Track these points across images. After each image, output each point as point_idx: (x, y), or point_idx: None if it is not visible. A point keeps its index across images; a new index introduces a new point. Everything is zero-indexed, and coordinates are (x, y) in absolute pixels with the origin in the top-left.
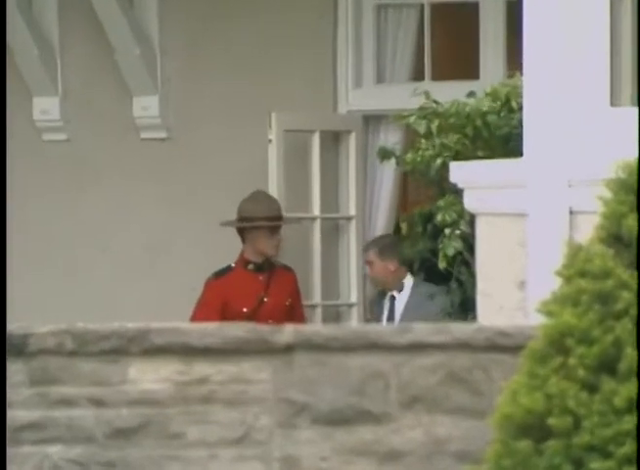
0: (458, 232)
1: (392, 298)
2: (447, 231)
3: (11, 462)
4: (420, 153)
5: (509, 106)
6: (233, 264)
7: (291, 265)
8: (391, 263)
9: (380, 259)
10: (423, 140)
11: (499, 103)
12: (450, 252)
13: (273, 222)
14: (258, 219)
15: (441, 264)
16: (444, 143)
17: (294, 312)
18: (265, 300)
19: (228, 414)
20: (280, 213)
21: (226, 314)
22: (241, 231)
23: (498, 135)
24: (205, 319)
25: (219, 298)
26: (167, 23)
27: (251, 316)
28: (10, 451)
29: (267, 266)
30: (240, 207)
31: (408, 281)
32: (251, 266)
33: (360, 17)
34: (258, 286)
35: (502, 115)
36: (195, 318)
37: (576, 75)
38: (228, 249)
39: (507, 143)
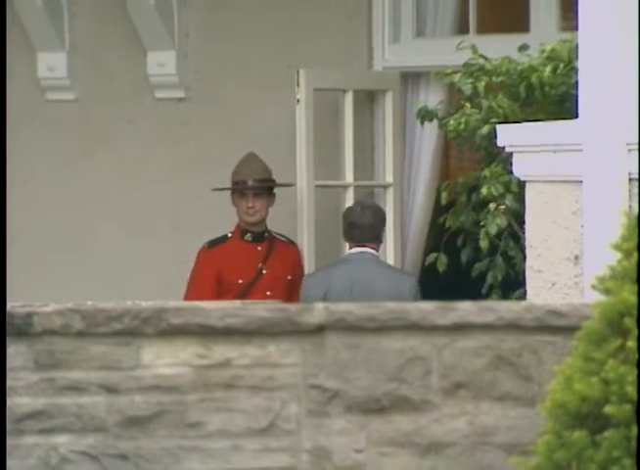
0: (503, 207)
1: None
2: (492, 206)
3: (13, 455)
4: (464, 119)
5: (571, 65)
6: (229, 234)
7: (321, 240)
8: None
9: None
10: (467, 104)
11: (562, 64)
12: (493, 230)
13: (243, 186)
14: (235, 183)
15: (483, 243)
16: (492, 106)
17: (293, 290)
18: (264, 271)
19: (252, 402)
20: (262, 176)
21: (220, 287)
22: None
23: (553, 95)
24: (200, 294)
25: (213, 269)
26: None
27: (248, 288)
28: (12, 443)
29: (267, 237)
30: None
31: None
32: (248, 236)
33: None
34: (256, 257)
35: (559, 71)
36: (188, 293)
37: (637, 29)
38: None
39: (562, 103)
